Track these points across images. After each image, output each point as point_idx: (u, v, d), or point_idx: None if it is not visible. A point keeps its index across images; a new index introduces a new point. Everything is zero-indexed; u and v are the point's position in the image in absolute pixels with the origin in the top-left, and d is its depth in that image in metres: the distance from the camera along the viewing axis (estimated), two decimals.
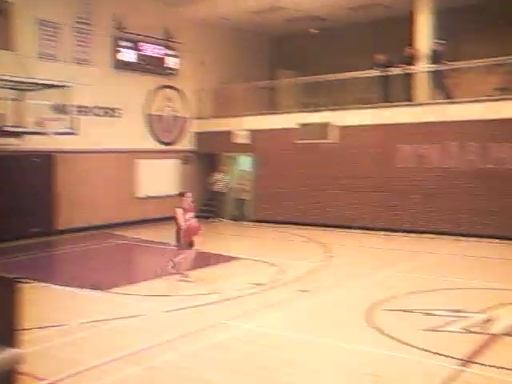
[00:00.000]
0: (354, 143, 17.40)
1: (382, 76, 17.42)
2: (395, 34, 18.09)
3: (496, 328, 7.69)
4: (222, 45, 21.35)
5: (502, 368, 6.35)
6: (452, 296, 9.55)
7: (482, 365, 6.46)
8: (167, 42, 19.54)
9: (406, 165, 16.52)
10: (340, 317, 8.41)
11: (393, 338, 7.33)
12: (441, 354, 6.71)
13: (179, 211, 10.45)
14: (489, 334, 7.47)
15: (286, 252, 13.75)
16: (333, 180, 17.74)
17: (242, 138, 19.65)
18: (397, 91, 17.41)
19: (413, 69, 17.06)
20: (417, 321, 8.06)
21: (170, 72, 19.78)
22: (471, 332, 7.56)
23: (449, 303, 8.91)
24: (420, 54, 17.20)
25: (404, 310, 8.57)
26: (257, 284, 10.24)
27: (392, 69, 17.23)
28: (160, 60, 19.46)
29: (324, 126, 17.93)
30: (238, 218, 19.38)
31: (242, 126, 19.74)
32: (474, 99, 15.83)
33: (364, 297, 9.35)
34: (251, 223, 18.73)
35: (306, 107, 19.60)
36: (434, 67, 16.62)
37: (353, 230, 16.83)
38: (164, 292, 9.94)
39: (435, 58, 16.66)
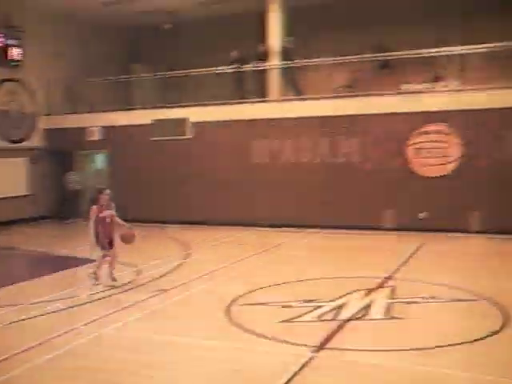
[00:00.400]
0: (211, 139, 17.51)
1: (237, 72, 17.68)
2: (250, 30, 18.40)
3: (346, 314, 8.11)
4: (74, 37, 20.38)
5: (351, 350, 6.74)
6: (308, 286, 9.91)
7: (334, 349, 6.81)
8: (8, 30, 18.18)
9: (261, 160, 16.95)
10: (199, 314, 8.40)
11: (252, 331, 7.45)
12: (297, 344, 6.94)
13: (93, 208, 9.95)
14: (340, 320, 7.85)
15: (144, 251, 13.47)
16: (191, 176, 17.73)
17: (96, 134, 18.98)
18: (252, 88, 17.77)
19: (266, 66, 17.50)
20: (274, 313, 8.25)
21: (13, 64, 18.47)
22: (324, 320, 7.90)
23: (305, 294, 9.20)
24: (272, 51, 17.68)
25: (262, 304, 8.75)
26: (113, 286, 9.95)
27: (246, 65, 17.56)
28: (1, 50, 18.10)
29: (181, 123, 17.84)
30: None
31: (96, 123, 19.08)
32: (323, 96, 16.61)
33: (224, 293, 9.42)
34: None
35: (162, 103, 19.37)
36: (285, 64, 17.17)
37: (213, 226, 16.95)
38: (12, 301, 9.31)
39: (286, 55, 17.22)
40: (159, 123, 18.11)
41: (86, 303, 8.99)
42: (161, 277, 10.72)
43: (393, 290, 9.37)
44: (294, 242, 14.74)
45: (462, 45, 15.97)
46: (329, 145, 16.26)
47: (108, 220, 10.04)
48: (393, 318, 8.01)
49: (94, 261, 10.42)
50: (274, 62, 17.54)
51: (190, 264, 12.09)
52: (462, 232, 14.78)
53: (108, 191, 10.22)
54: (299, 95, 17.14)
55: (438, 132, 15.33)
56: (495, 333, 7.22)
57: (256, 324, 7.73)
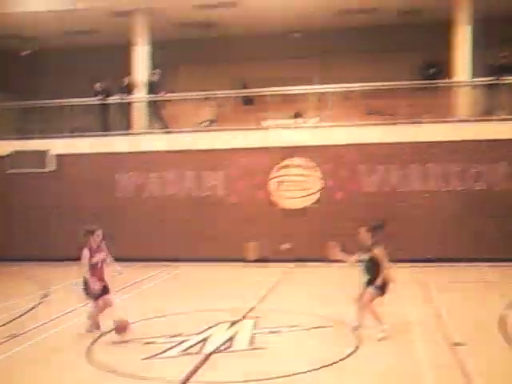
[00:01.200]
0: (74, 172, 16.97)
1: (102, 104, 17.38)
2: (116, 61, 18.18)
3: (211, 347, 8.13)
4: None
5: (215, 383, 6.80)
6: (173, 321, 9.81)
7: (198, 383, 6.80)
8: None
9: (124, 194, 16.68)
10: (58, 354, 8.00)
11: (113, 371, 7.22)
12: (160, 381, 6.84)
13: (85, 252, 8.71)
14: (204, 353, 7.85)
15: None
16: (52, 210, 16.99)
17: None
18: (116, 120, 17.54)
19: (131, 98, 17.38)
20: (137, 351, 8.06)
21: None
22: (189, 354, 7.86)
23: (169, 329, 9.09)
24: (138, 84, 17.62)
25: (125, 341, 8.49)
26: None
27: (111, 97, 17.33)
28: None
29: (41, 154, 17.12)
30: None
31: None
32: (188, 130, 16.81)
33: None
34: None
35: (22, 134, 18.48)
36: (150, 97, 17.18)
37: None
38: None
39: (152, 88, 17.23)
40: (18, 155, 17.25)
41: None
42: (15, 319, 10.09)
43: (256, 321, 9.54)
44: (157, 276, 14.52)
45: (322, 83, 17.01)
46: (194, 178, 16.39)
47: (99, 265, 8.88)
48: (255, 348, 8.14)
49: None
50: (140, 95, 17.48)
51: (51, 302, 11.50)
52: (322, 261, 15.40)
53: (100, 231, 8.98)
54: (165, 128, 17.17)
55: (298, 166, 16.03)
56: (347, 356, 7.58)
57: (118, 363, 7.50)
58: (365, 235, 8.30)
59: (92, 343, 8.40)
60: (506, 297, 10.82)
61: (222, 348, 8.12)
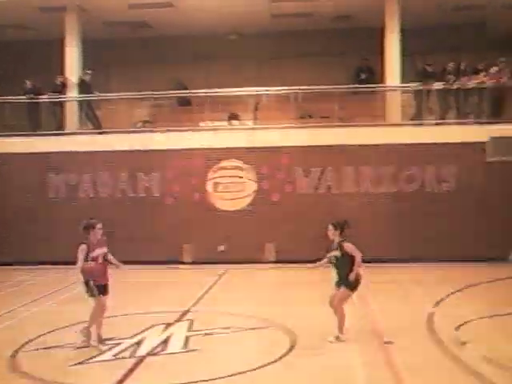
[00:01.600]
0: (5, 172, 16.40)
1: (32, 103, 16.85)
2: (48, 60, 17.68)
3: (144, 350, 8.01)
4: None
5: None
6: (105, 324, 9.51)
7: None
8: None
9: (58, 195, 16.25)
10: None
11: (40, 379, 6.97)
12: None
13: (82, 246, 8.16)
14: (138, 356, 7.72)
15: None
16: None
17: None
18: (48, 119, 17.06)
19: (63, 97, 16.95)
20: (68, 356, 7.83)
21: None
22: (122, 358, 7.71)
23: (102, 333, 8.88)
24: (71, 83, 17.17)
25: (57, 347, 8.25)
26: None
27: (41, 96, 16.83)
28: None
29: None
30: None
31: None
32: (122, 130, 16.54)
33: (8, 339, 8.69)
34: None
35: None
36: (83, 97, 16.79)
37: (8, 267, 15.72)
38: None
39: (84, 87, 16.84)
40: None
41: None
42: None
43: (191, 323, 9.48)
44: None
45: (258, 85, 17.11)
46: (129, 179, 16.14)
47: (100, 260, 8.34)
48: (190, 350, 8.08)
49: None
50: (72, 94, 17.05)
51: None
52: (259, 263, 15.52)
53: (100, 225, 8.43)
54: (97, 129, 16.83)
55: (234, 168, 16.05)
56: (282, 356, 7.63)
57: (46, 370, 7.26)
58: (332, 233, 8.33)
59: (16, 351, 8.08)
60: (436, 296, 11.18)
61: (156, 351, 8.02)
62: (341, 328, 8.28)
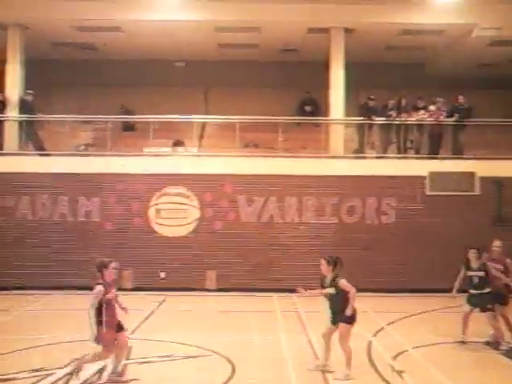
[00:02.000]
0: None
1: None
2: None
3: (78, 380, 7.71)
4: None
5: None
6: (37, 354, 9.16)
7: None
8: None
9: (5, 218, 15.75)
10: None
11: None
12: None
13: (99, 288, 7.42)
14: None
15: None
16: None
17: None
18: None
19: (2, 116, 16.51)
20: None
21: None
22: None
23: (32, 363, 8.48)
24: (11, 102, 16.74)
25: None
26: None
27: None
28: None
29: None
30: None
31: None
32: (64, 153, 16.20)
33: None
34: None
35: None
36: (23, 117, 16.41)
37: None
38: None
39: (26, 107, 16.46)
40: None
41: None
42: None
43: (129, 351, 9.21)
44: (20, 306, 13.56)
45: (204, 113, 17.15)
46: (69, 202, 15.75)
47: (114, 302, 7.74)
48: (127, 381, 7.82)
49: None
50: (13, 114, 16.63)
51: None
52: (200, 290, 15.35)
53: (114, 264, 7.83)
54: (39, 150, 16.43)
55: (177, 194, 15.92)
56: None
57: None
58: (326, 268, 8.25)
59: None
60: (376, 325, 11.31)
61: (91, 381, 7.75)
62: (349, 362, 8.10)
